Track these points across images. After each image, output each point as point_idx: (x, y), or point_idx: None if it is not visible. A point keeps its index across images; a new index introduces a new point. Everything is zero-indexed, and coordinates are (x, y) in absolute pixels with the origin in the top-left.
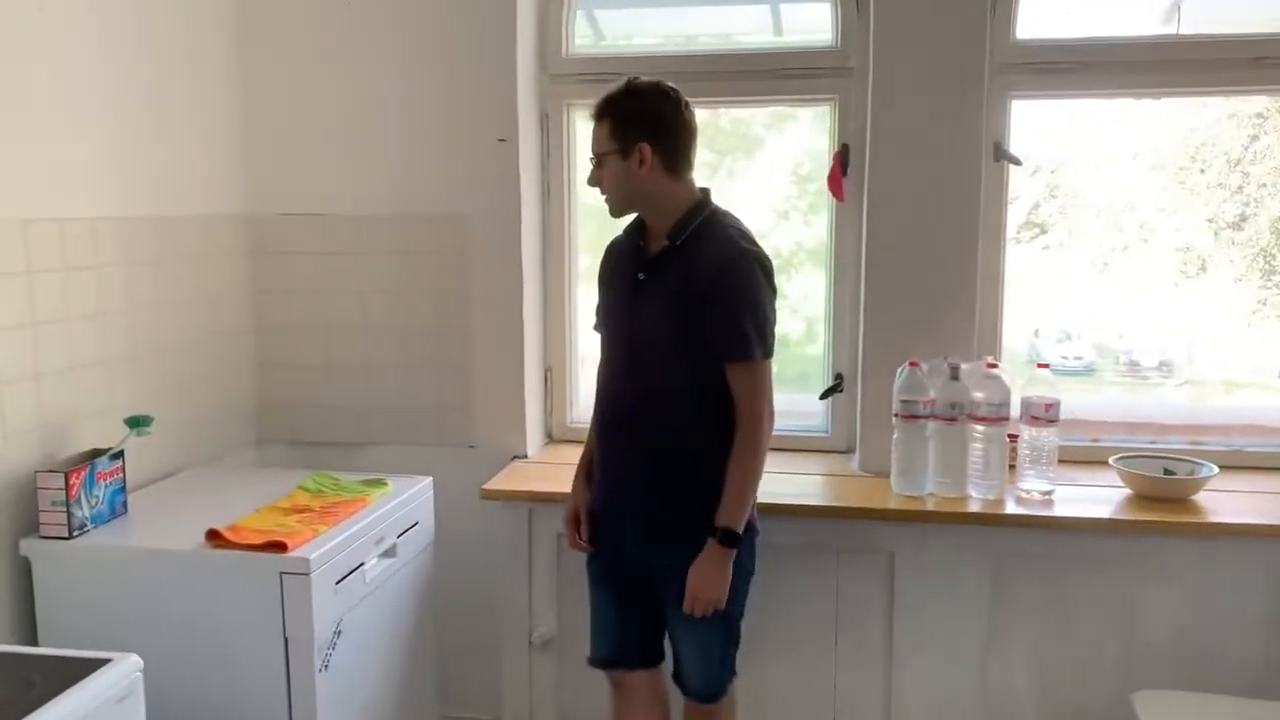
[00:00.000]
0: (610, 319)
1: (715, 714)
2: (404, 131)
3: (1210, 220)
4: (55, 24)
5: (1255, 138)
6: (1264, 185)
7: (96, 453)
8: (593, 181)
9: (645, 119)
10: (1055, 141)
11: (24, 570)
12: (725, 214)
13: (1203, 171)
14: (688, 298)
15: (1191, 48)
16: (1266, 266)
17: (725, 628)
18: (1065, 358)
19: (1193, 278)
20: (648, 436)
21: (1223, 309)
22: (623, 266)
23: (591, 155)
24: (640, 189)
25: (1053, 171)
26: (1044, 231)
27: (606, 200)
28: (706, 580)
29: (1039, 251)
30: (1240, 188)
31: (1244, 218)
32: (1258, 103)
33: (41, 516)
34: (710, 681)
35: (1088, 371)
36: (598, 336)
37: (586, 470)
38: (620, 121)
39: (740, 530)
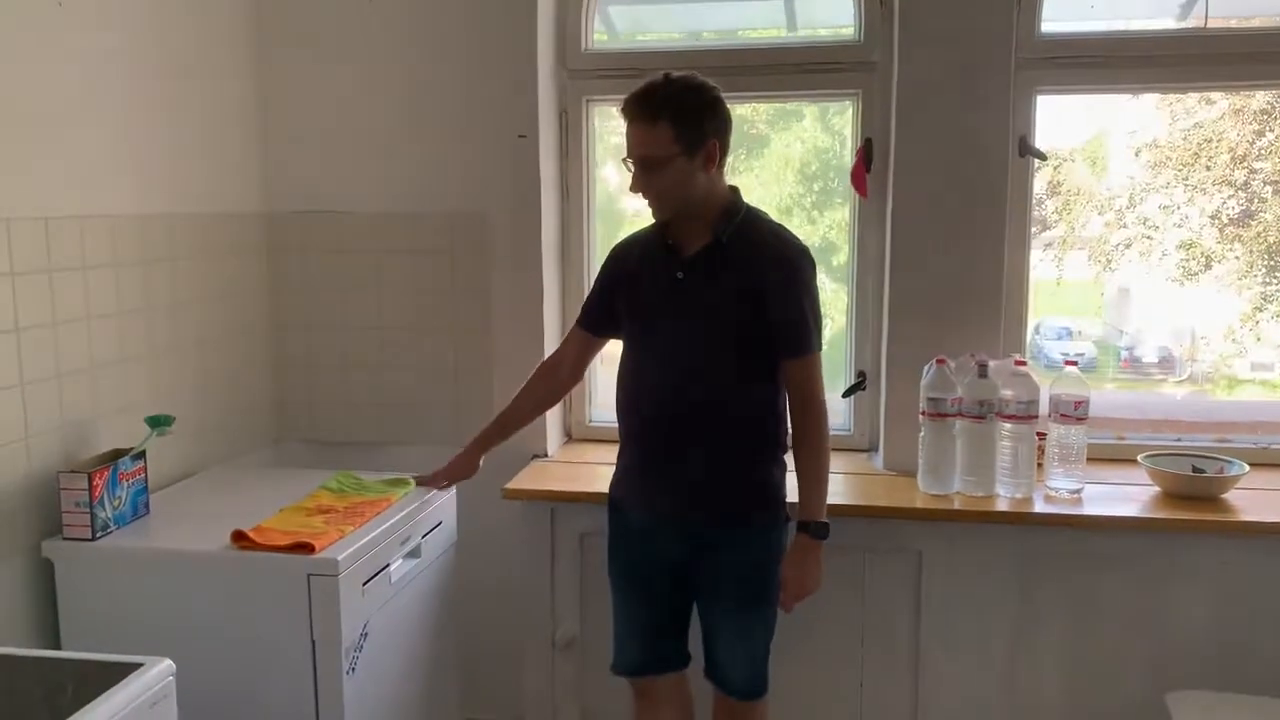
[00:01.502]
0: (642, 322)
1: (753, 713)
2: (423, 128)
3: (1214, 217)
4: (73, 22)
5: (1261, 134)
6: (1270, 182)
7: (118, 453)
8: (639, 187)
9: (712, 114)
10: (1057, 136)
11: (46, 572)
12: (757, 209)
13: (1208, 168)
14: (744, 294)
15: (1217, 41)
16: (1271, 263)
17: (766, 620)
18: (1066, 354)
19: (1196, 274)
20: (694, 436)
21: (1226, 306)
22: (652, 267)
23: (640, 158)
24: (700, 187)
25: (1055, 167)
26: (1046, 227)
27: (659, 202)
28: (805, 575)
29: (1041, 248)
30: (1246, 184)
31: (1249, 214)
32: (1262, 98)
33: (64, 518)
34: (754, 677)
35: (1089, 368)
36: (582, 331)
37: (482, 443)
38: (685, 120)
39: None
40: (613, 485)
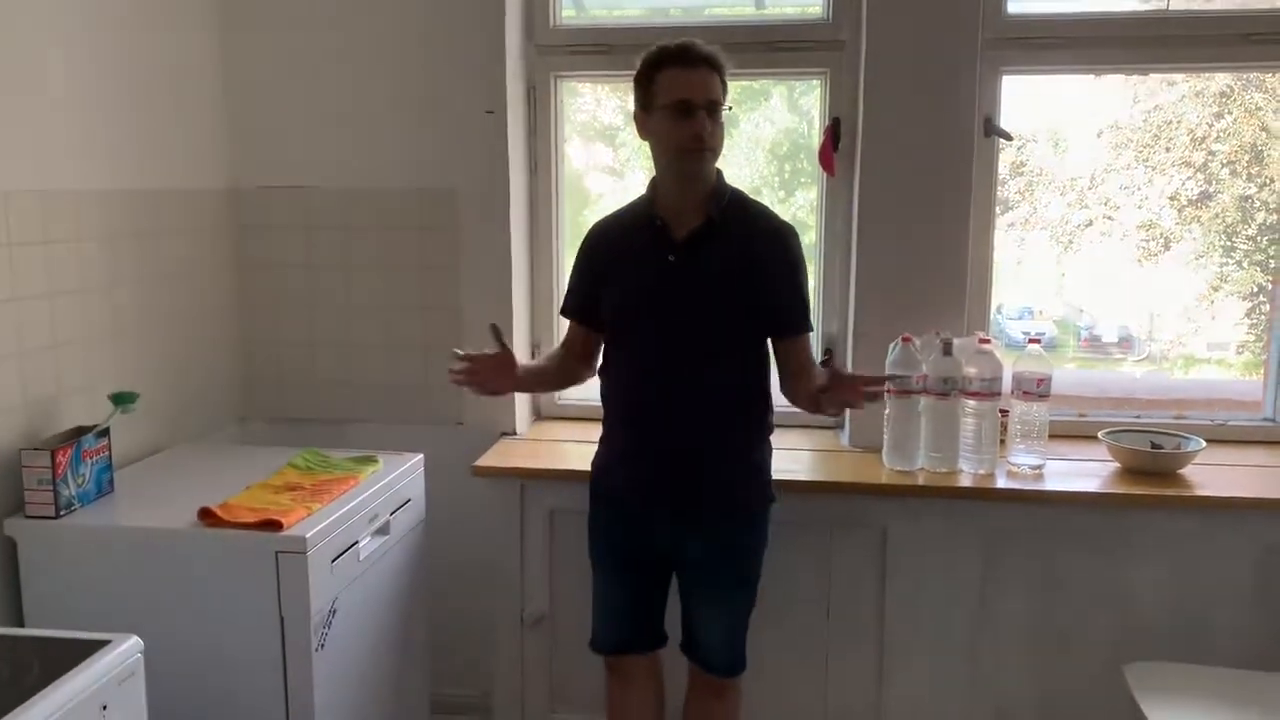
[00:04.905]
0: (632, 306)
1: (729, 689)
2: (390, 103)
3: (1173, 198)
4: None
5: (1219, 115)
6: (1227, 164)
7: (81, 430)
8: (705, 127)
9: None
10: (1020, 117)
11: (9, 550)
12: (739, 190)
13: (1167, 149)
14: (740, 275)
15: (1183, 23)
16: (1227, 244)
17: (749, 600)
18: (1028, 332)
19: (1155, 254)
20: (689, 420)
21: (1184, 285)
22: (640, 249)
23: (711, 102)
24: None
25: (1019, 148)
26: (1008, 208)
27: (711, 156)
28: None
29: (1003, 228)
30: (1204, 165)
31: (1207, 195)
32: (1222, 80)
33: (27, 495)
34: (735, 655)
35: (1049, 347)
36: (579, 326)
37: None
38: (724, 82)
39: None
40: (598, 470)
